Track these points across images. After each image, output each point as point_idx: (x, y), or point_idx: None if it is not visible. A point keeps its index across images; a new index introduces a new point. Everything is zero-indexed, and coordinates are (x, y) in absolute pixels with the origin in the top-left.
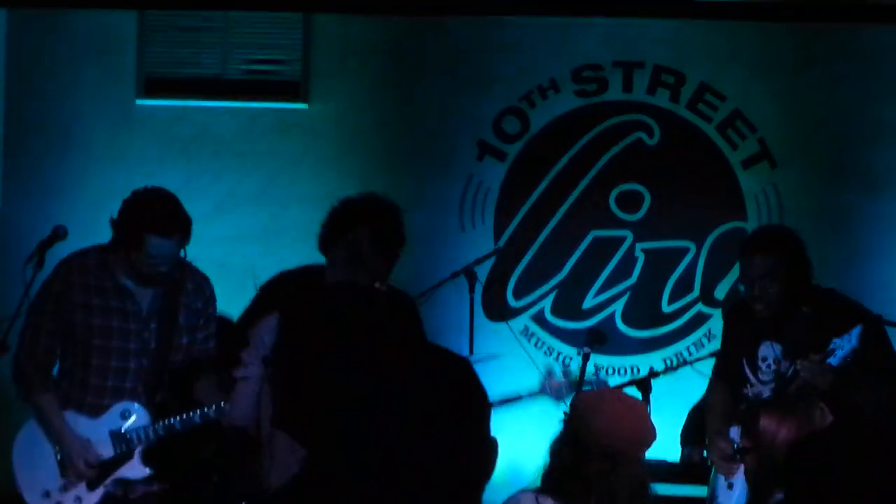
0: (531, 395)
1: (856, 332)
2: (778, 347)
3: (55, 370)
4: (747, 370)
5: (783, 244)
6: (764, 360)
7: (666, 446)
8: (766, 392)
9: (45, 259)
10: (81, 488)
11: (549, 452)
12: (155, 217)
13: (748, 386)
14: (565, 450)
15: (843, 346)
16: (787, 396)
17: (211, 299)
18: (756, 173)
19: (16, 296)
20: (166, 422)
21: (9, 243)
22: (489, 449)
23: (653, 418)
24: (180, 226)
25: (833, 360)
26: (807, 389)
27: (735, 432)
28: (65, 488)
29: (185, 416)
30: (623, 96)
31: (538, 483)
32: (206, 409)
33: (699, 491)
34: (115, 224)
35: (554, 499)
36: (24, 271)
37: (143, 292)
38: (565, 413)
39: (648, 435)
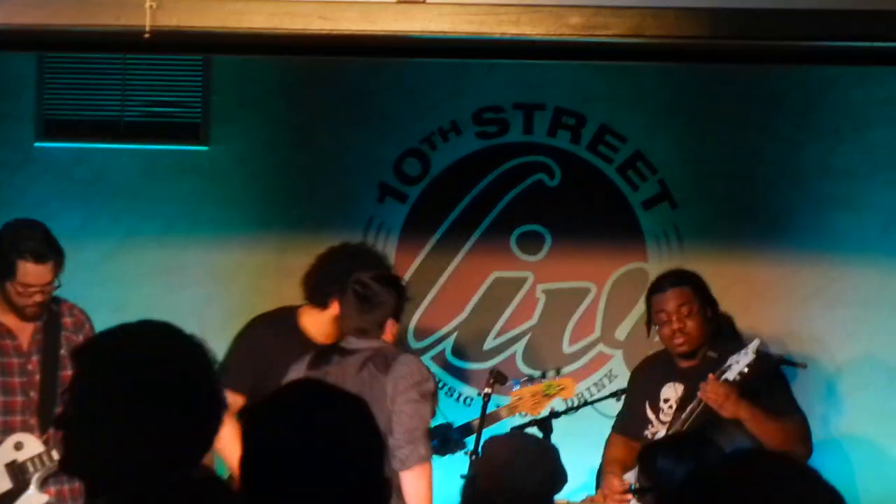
0: (510, 410)
1: (752, 345)
2: (680, 388)
3: None
4: (649, 412)
5: (692, 279)
6: (666, 401)
7: (567, 486)
8: (664, 432)
9: None
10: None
11: (461, 497)
12: (26, 243)
13: (649, 427)
14: (474, 494)
15: (739, 359)
16: (683, 434)
17: (91, 334)
18: (657, 214)
19: None
20: (53, 443)
21: None
22: (387, 489)
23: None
24: (51, 251)
25: (729, 375)
26: (706, 424)
27: (632, 474)
28: None
29: None
30: (524, 138)
31: None
32: None
33: None
34: None
35: None
36: None
37: (22, 327)
38: (473, 456)
39: (559, 479)
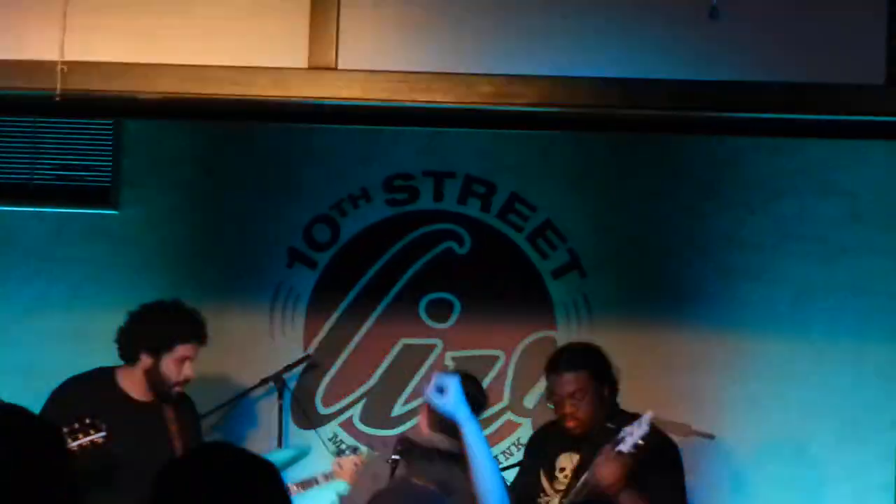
0: (326, 477)
1: (646, 417)
2: (576, 457)
3: None
4: (544, 481)
5: (589, 361)
6: (562, 470)
7: None
8: (555, 500)
9: None
10: None
11: None
12: None
13: (542, 496)
14: None
15: (633, 431)
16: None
17: None
18: (566, 283)
19: None
20: None
21: None
22: None
23: None
24: None
25: (623, 447)
26: (600, 495)
27: None
28: None
29: None
30: (434, 205)
31: None
32: None
33: None
34: None
35: None
36: None
37: None
38: None
39: None
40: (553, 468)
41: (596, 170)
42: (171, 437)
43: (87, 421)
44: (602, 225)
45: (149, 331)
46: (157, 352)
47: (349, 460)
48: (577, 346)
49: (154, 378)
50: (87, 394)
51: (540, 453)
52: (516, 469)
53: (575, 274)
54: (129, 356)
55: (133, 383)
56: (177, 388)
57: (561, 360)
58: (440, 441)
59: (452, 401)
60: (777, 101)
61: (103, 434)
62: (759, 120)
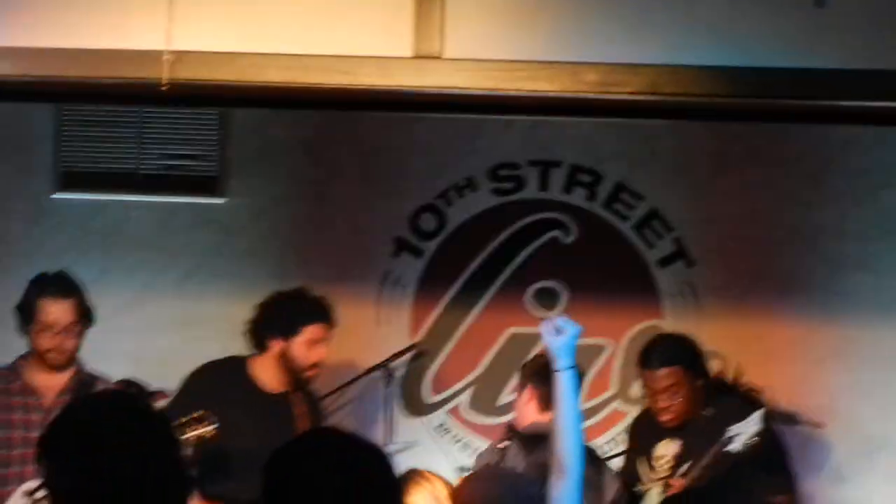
0: None
1: (756, 416)
2: (677, 444)
3: None
4: (642, 469)
5: (681, 355)
6: (660, 458)
7: None
8: (655, 488)
9: None
10: None
11: None
12: (46, 281)
13: (639, 485)
14: None
15: (744, 430)
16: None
17: None
18: (672, 272)
19: None
20: None
21: None
22: None
23: None
24: (72, 289)
25: (734, 447)
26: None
27: None
28: None
29: None
30: (539, 195)
31: None
32: None
33: None
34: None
35: None
36: None
37: (48, 387)
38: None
39: None
40: (651, 456)
41: (702, 159)
42: (297, 428)
43: (199, 414)
44: (708, 215)
45: (277, 315)
46: (285, 335)
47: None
48: (667, 338)
49: (286, 363)
50: (218, 382)
51: (637, 441)
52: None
53: (681, 263)
54: (258, 343)
55: (265, 372)
56: (309, 373)
57: (653, 356)
58: (546, 427)
59: (564, 344)
60: (883, 88)
61: (214, 427)
62: (864, 108)
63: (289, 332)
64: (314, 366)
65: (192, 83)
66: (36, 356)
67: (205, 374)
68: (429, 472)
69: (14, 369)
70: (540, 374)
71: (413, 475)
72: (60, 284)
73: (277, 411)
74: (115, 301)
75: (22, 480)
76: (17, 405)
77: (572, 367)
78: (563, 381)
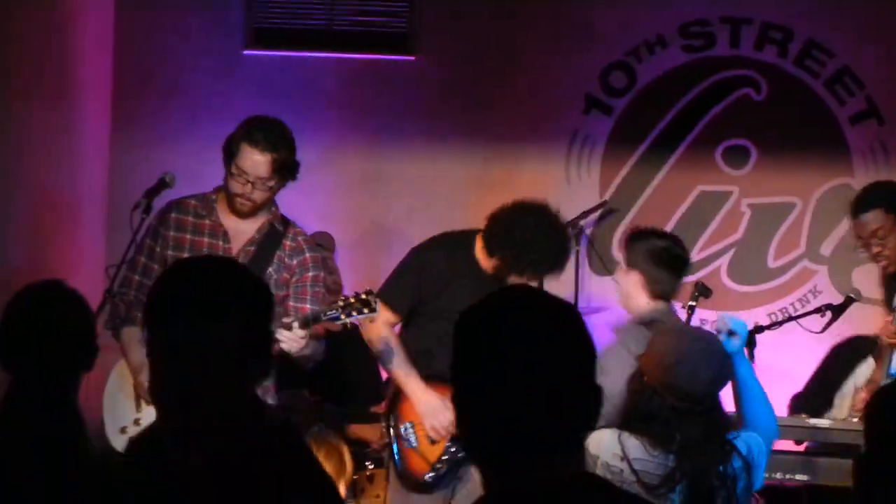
0: None
1: None
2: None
3: None
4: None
5: (884, 198)
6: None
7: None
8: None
9: (152, 206)
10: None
11: (627, 390)
12: (251, 128)
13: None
14: (640, 388)
15: None
16: None
17: (311, 264)
18: (863, 130)
19: (124, 243)
20: None
21: (119, 192)
22: (598, 395)
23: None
24: (275, 145)
25: None
26: None
27: None
28: (137, 423)
29: None
30: (730, 51)
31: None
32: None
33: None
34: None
35: (637, 438)
36: (131, 218)
37: (238, 233)
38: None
39: (723, 379)
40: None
41: (893, 16)
42: None
43: (364, 297)
44: None
45: (513, 248)
46: (511, 270)
47: None
48: (872, 185)
49: (501, 277)
50: (445, 257)
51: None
52: (814, 316)
53: (872, 121)
54: (488, 246)
55: (484, 259)
56: None
57: (858, 203)
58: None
59: (739, 347)
60: None
61: (375, 315)
62: None
63: (513, 269)
64: None
65: None
66: (226, 194)
67: (436, 245)
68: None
69: (207, 203)
70: (651, 259)
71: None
72: (269, 136)
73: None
74: (304, 159)
75: None
76: (204, 245)
77: (744, 355)
78: (744, 368)
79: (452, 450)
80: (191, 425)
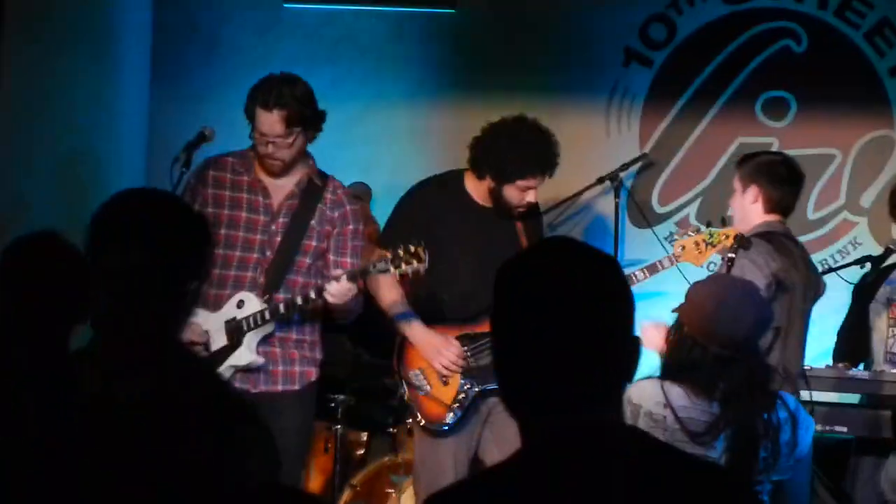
0: (671, 261)
1: None
2: None
3: None
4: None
5: None
6: None
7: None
8: None
9: (192, 160)
10: None
11: (666, 343)
12: (259, 90)
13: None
14: (680, 339)
15: None
16: None
17: (351, 217)
18: None
19: None
20: (271, 305)
21: (158, 145)
22: (636, 346)
23: None
24: (282, 101)
25: None
26: None
27: None
28: None
29: (288, 298)
30: (771, 3)
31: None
32: (309, 293)
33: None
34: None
35: (680, 386)
36: (171, 171)
37: (277, 187)
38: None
39: (765, 324)
40: None
41: None
42: (520, 239)
43: (413, 249)
44: None
45: (496, 158)
46: (498, 179)
47: (691, 240)
48: None
49: (496, 197)
50: (435, 194)
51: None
52: (853, 267)
53: None
54: (475, 170)
55: (478, 191)
56: (519, 210)
57: None
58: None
59: None
60: None
61: (426, 266)
62: None
63: (504, 179)
64: (525, 206)
65: None
66: (263, 161)
67: (426, 187)
68: None
69: (245, 159)
70: (768, 174)
71: None
72: (276, 93)
73: (498, 226)
74: (346, 111)
75: (238, 282)
76: (244, 201)
77: None
78: None
79: (467, 387)
80: (121, 353)
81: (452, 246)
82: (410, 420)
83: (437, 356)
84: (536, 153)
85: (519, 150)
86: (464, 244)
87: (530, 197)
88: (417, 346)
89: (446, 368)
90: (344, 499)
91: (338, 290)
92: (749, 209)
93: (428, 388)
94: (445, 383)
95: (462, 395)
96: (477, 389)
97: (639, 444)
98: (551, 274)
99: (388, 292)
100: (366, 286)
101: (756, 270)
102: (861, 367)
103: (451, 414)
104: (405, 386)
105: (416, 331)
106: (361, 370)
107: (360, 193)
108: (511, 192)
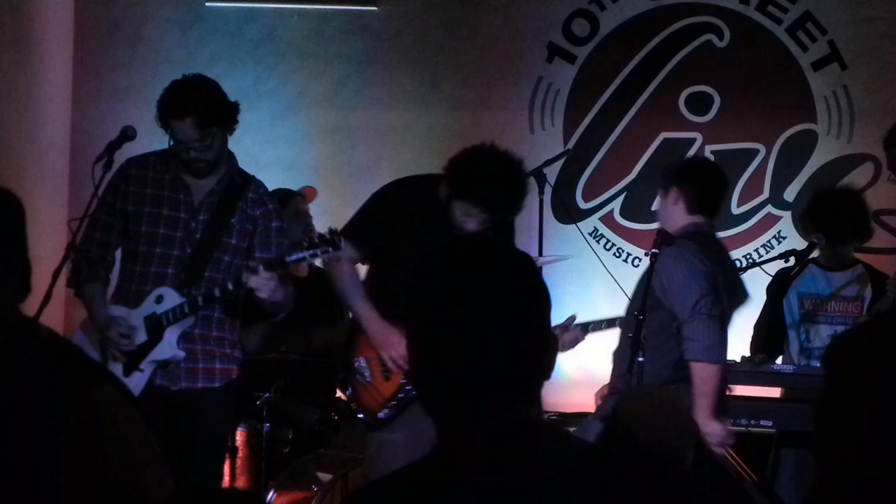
0: None
1: None
2: None
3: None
4: None
5: None
6: None
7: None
8: None
9: (114, 160)
10: (119, 373)
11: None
12: (168, 100)
13: None
14: (612, 441)
15: None
16: None
17: (274, 215)
18: (826, 75)
19: (86, 196)
20: (189, 298)
21: (80, 144)
22: (553, 343)
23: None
24: (191, 107)
25: None
26: None
27: None
28: None
29: (206, 291)
30: None
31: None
32: (227, 284)
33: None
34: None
35: None
36: (93, 172)
37: (199, 186)
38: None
39: (690, 443)
40: None
41: None
42: None
43: (328, 237)
44: (862, 16)
45: (461, 171)
46: (451, 194)
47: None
48: None
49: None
50: (408, 193)
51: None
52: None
53: (835, 66)
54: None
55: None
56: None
57: (891, 134)
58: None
59: None
60: None
61: (341, 253)
62: None
63: (453, 192)
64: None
65: None
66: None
67: (398, 187)
68: None
69: (167, 158)
70: (685, 176)
71: None
72: (182, 100)
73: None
74: (269, 109)
75: (158, 278)
76: (165, 199)
77: None
78: None
79: (408, 387)
80: None
81: (416, 244)
82: (337, 418)
83: (388, 348)
84: (505, 193)
85: (483, 177)
86: (427, 243)
87: (470, 225)
88: (370, 336)
89: (393, 361)
90: (269, 497)
91: (258, 282)
92: (671, 210)
93: (369, 378)
94: (387, 378)
95: (401, 395)
96: (415, 394)
97: (560, 443)
98: (464, 270)
99: (345, 276)
100: (327, 276)
101: (687, 258)
102: (780, 360)
103: (385, 410)
104: (347, 371)
105: (371, 321)
106: (287, 368)
107: (307, 194)
108: (455, 211)
